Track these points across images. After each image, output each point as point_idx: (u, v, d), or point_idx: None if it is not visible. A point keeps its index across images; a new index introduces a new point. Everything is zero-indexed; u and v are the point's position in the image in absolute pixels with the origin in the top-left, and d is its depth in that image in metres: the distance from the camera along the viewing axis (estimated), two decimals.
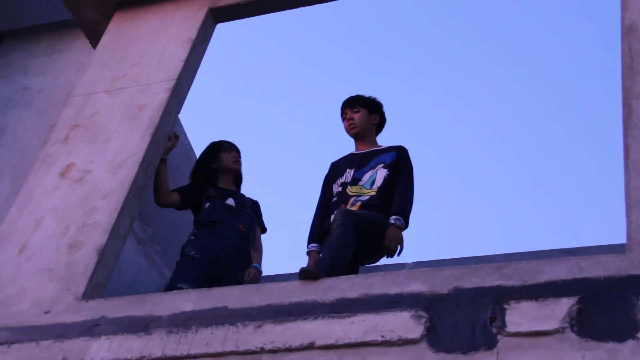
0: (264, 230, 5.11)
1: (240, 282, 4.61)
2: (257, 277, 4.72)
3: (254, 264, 4.78)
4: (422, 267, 4.67)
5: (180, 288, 4.38)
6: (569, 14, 11.14)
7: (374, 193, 4.42)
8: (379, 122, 4.79)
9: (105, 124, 4.66)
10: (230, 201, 4.95)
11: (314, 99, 11.99)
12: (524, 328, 3.04)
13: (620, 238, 4.64)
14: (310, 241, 4.47)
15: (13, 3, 6.07)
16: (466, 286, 3.26)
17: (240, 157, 5.18)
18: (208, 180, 5.06)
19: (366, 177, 4.52)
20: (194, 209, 4.96)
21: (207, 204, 4.88)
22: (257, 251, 4.90)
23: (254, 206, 5.10)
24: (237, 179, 5.18)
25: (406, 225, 4.32)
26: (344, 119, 4.77)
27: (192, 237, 4.78)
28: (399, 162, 4.53)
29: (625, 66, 3.74)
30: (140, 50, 5.04)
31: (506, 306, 3.13)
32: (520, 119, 11.31)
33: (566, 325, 3.00)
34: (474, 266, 3.36)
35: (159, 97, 4.67)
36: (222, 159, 5.10)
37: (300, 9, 5.17)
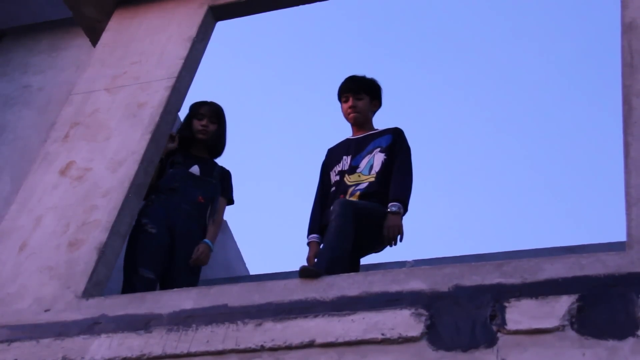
0: (230, 202, 4.95)
1: (191, 256, 4.53)
2: (206, 254, 4.58)
3: (205, 240, 4.62)
4: (422, 265, 4.66)
5: (143, 275, 4.36)
6: (569, 12, 11.14)
7: (372, 179, 4.35)
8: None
9: (105, 122, 4.66)
10: (194, 169, 4.81)
11: (314, 97, 11.99)
12: (524, 326, 3.05)
13: (621, 236, 4.63)
14: (310, 232, 4.42)
15: (13, 1, 6.07)
16: (466, 284, 3.26)
17: (216, 121, 4.95)
18: (185, 145, 4.94)
19: (364, 163, 4.45)
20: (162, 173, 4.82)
21: (170, 170, 4.77)
22: (215, 224, 4.74)
23: (223, 176, 4.93)
24: (213, 146, 4.98)
25: (405, 210, 4.25)
26: (343, 101, 4.66)
27: (149, 203, 4.65)
28: (395, 144, 4.46)
29: (625, 64, 3.74)
30: (140, 48, 5.04)
31: (506, 304, 3.13)
32: (520, 116, 11.31)
33: (566, 323, 3.00)
34: (474, 264, 3.36)
35: (159, 95, 4.67)
36: (193, 125, 4.95)
37: (300, 7, 5.16)
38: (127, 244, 4.54)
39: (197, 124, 4.93)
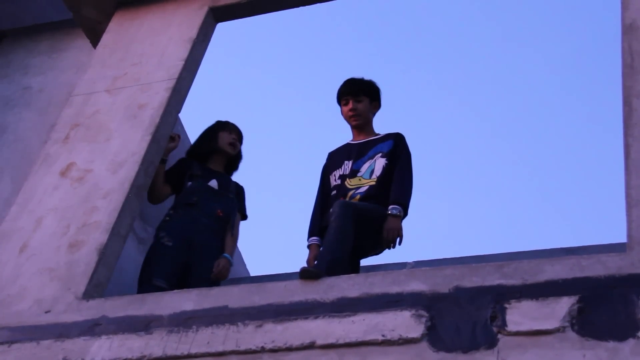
0: (244, 217, 5.01)
1: (210, 270, 4.55)
2: (227, 268, 4.62)
3: (225, 255, 4.67)
4: (423, 266, 4.67)
5: (156, 285, 4.38)
6: (569, 13, 11.15)
7: (373, 182, 4.36)
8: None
9: (105, 123, 4.66)
10: (213, 183, 4.86)
11: (314, 97, 11.99)
12: (524, 327, 3.05)
13: (621, 237, 4.63)
14: (310, 234, 4.43)
15: (13, 2, 6.07)
16: (467, 285, 3.26)
17: (240, 142, 5.09)
18: (200, 158, 5.00)
19: (365, 168, 4.46)
20: (178, 187, 4.87)
21: (189, 183, 4.81)
22: (233, 239, 4.80)
23: (238, 191, 5.00)
24: (230, 163, 5.08)
25: (405, 214, 4.25)
26: (343, 104, 4.68)
27: (167, 218, 4.70)
28: (396, 150, 4.47)
29: (626, 65, 3.74)
30: (140, 49, 5.04)
31: (507, 305, 3.13)
32: (520, 117, 11.31)
33: (567, 324, 3.00)
34: (474, 265, 3.36)
35: (159, 96, 4.67)
36: (219, 138, 5.03)
37: (300, 8, 5.17)
38: (144, 258, 4.60)
39: (228, 137, 5.03)
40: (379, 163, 4.44)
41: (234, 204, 4.89)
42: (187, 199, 4.75)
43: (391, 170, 4.39)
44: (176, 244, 4.58)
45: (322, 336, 3.27)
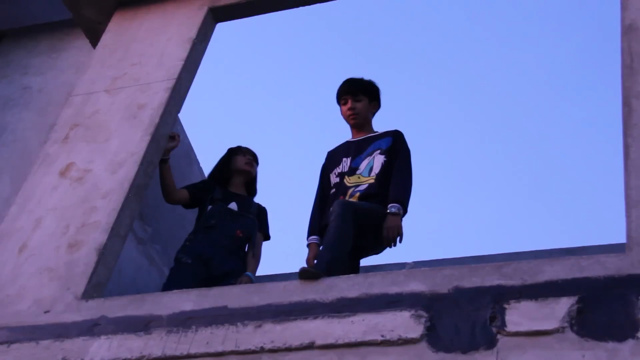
0: (266, 237, 5.08)
1: None
2: None
3: (247, 273, 4.73)
4: (422, 267, 4.67)
5: None
6: (569, 13, 11.15)
7: (372, 180, 4.35)
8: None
9: (105, 123, 4.66)
10: (232, 205, 4.95)
11: (313, 98, 11.99)
12: (523, 327, 3.04)
13: (620, 238, 4.64)
14: (310, 233, 4.43)
15: (13, 2, 6.07)
16: (466, 286, 3.26)
17: (255, 162, 5.20)
18: (221, 182, 5.10)
19: (363, 165, 4.46)
20: (200, 210, 4.98)
21: (210, 207, 4.90)
22: (254, 258, 4.87)
23: (260, 212, 5.07)
24: (250, 183, 5.18)
25: (405, 212, 4.25)
26: (342, 104, 4.69)
27: (187, 243, 4.80)
28: (395, 146, 4.47)
29: (625, 66, 3.74)
30: (140, 49, 5.04)
31: (506, 306, 3.13)
32: (520, 117, 11.32)
33: (566, 324, 3.00)
34: (474, 266, 3.35)
35: (158, 96, 4.67)
36: (235, 161, 5.15)
37: (300, 8, 5.17)
38: (164, 282, 4.70)
39: (243, 159, 5.15)
40: (378, 160, 4.43)
41: (254, 224, 4.96)
42: (206, 222, 4.85)
43: (390, 167, 4.39)
44: (195, 263, 4.67)
45: (321, 336, 3.27)
